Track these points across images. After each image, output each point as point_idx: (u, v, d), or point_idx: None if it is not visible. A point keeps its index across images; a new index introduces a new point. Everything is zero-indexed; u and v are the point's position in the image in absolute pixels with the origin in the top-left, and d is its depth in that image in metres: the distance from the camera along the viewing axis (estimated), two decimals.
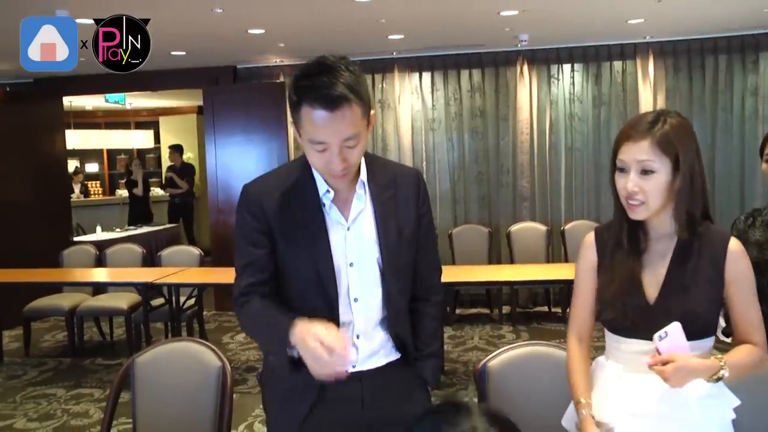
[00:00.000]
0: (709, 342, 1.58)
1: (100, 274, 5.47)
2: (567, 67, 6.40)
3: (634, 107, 6.23)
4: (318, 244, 1.58)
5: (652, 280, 1.59)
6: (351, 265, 1.60)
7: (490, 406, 2.00)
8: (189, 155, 10.65)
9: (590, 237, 1.72)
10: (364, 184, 1.63)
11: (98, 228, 7.80)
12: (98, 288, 5.62)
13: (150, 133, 11.95)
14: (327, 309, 1.57)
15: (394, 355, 1.67)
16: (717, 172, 6.21)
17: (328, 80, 1.43)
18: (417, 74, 6.60)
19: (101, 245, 6.03)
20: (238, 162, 6.55)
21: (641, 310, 1.57)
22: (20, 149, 6.72)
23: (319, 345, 1.35)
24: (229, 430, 2.08)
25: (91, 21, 3.60)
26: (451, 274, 5.04)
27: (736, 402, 1.55)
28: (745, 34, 6.08)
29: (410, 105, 6.63)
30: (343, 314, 1.59)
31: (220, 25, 5.03)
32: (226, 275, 4.26)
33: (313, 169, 1.59)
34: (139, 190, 9.47)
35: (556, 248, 6.16)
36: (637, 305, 1.58)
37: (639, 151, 1.51)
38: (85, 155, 11.51)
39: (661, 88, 6.26)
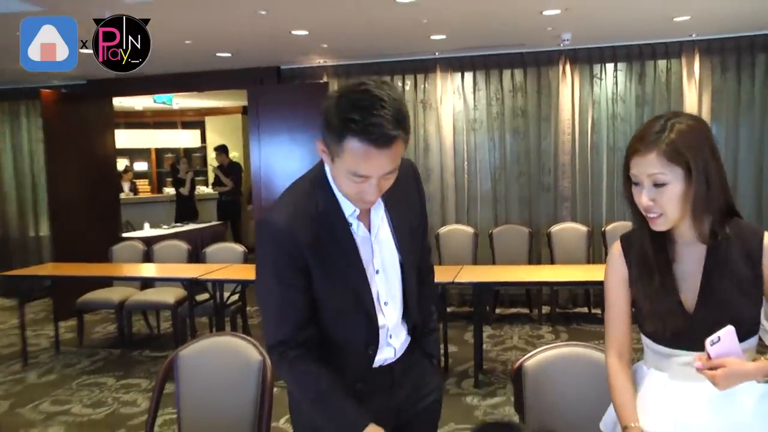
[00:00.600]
0: (753, 340, 1.56)
1: (148, 270, 5.65)
2: (610, 66, 6.30)
3: (679, 107, 6.06)
4: (352, 265, 1.56)
5: (689, 290, 1.56)
6: (377, 272, 1.62)
7: (539, 427, 2.01)
8: (234, 154, 10.80)
9: (617, 247, 1.68)
10: None
11: (146, 225, 8.02)
12: (146, 282, 5.81)
13: (196, 132, 12.22)
14: (366, 320, 1.60)
15: (407, 339, 1.73)
16: (765, 176, 6.04)
17: (382, 117, 1.35)
18: (459, 74, 6.60)
19: (149, 241, 6.20)
20: (282, 162, 6.64)
21: (681, 322, 1.54)
22: (74, 149, 6.98)
23: None
24: (270, 423, 2.12)
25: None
26: (491, 273, 5.06)
27: None
28: None
29: (452, 105, 6.63)
30: (379, 320, 1.63)
31: (264, 27, 5.12)
32: None
33: (335, 189, 1.54)
34: (185, 189, 9.62)
35: (597, 249, 6.09)
36: (677, 317, 1.54)
37: (648, 165, 1.47)
38: (134, 154, 11.87)
39: (707, 87, 6.09)
